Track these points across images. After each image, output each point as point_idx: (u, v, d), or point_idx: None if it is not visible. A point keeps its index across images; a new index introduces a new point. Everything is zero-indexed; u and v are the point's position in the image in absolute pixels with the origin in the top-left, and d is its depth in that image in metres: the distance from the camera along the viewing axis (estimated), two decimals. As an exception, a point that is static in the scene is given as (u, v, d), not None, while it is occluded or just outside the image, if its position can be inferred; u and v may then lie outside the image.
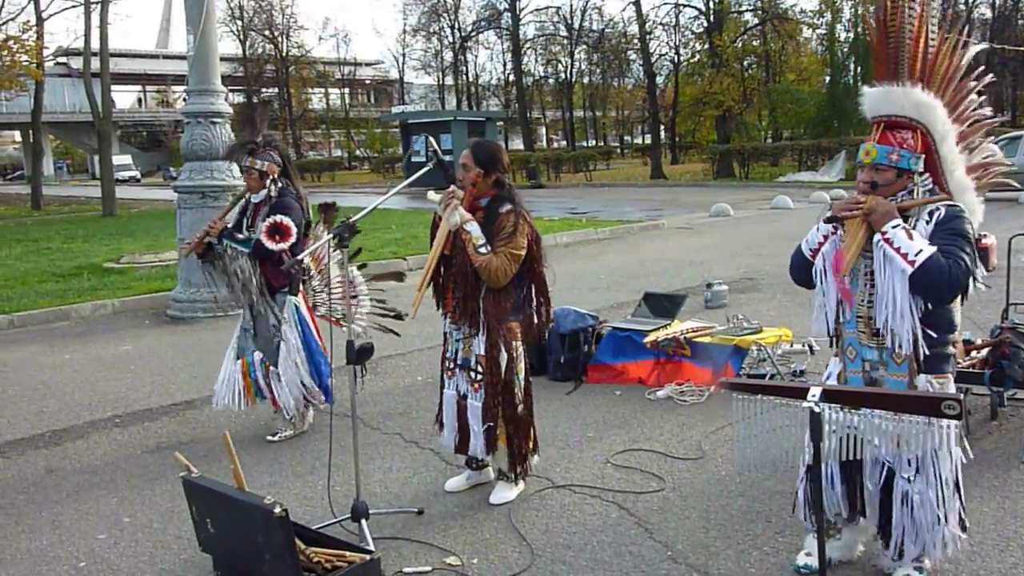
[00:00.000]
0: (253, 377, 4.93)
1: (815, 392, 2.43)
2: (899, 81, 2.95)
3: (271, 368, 4.88)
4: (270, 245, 4.70)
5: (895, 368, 2.90)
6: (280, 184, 4.90)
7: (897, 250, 2.76)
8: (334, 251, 5.14)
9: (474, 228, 3.64)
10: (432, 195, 3.85)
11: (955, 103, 3.05)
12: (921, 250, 2.73)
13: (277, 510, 2.85)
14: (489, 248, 3.63)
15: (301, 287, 4.97)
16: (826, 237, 2.97)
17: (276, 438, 4.97)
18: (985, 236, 10.12)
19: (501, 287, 3.69)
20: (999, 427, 4.58)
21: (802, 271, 3.11)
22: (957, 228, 2.82)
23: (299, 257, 3.72)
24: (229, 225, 4.92)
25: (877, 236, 2.81)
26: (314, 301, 5.11)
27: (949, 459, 2.88)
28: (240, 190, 5.10)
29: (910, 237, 2.76)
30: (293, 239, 4.76)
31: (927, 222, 2.85)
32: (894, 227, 2.78)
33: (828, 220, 2.95)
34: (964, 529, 2.98)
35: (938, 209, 2.86)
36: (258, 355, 4.93)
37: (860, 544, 3.22)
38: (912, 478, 2.87)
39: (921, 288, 2.76)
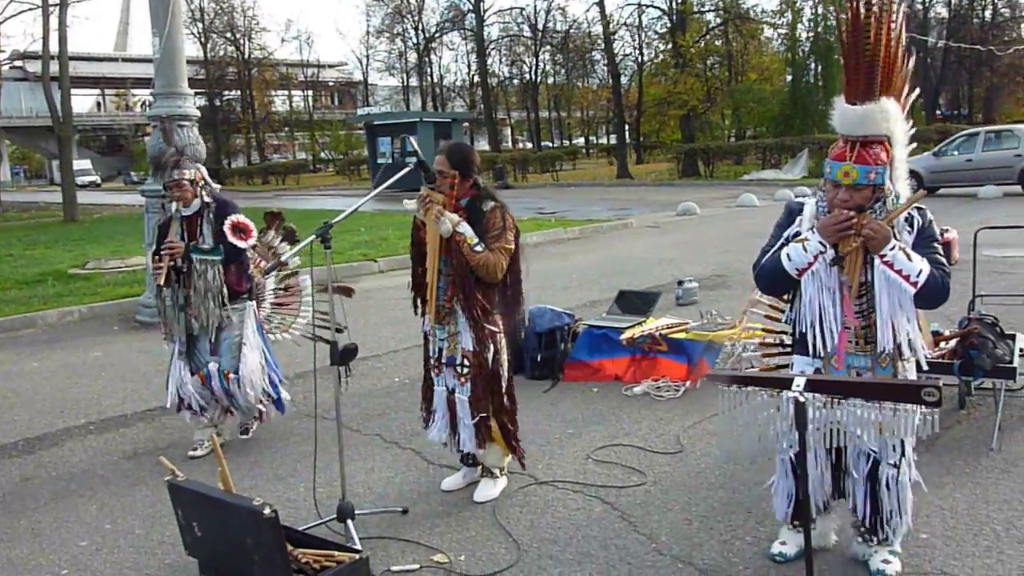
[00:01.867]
0: (210, 387, 4.79)
1: (799, 382, 2.49)
2: (873, 98, 2.91)
3: (231, 375, 4.76)
4: (241, 244, 4.64)
5: (881, 371, 2.99)
6: (209, 187, 4.80)
7: (899, 272, 2.82)
8: (295, 256, 5.10)
9: (466, 229, 3.67)
10: (408, 204, 3.84)
11: (903, 107, 3.07)
12: (921, 270, 2.81)
13: (267, 511, 2.86)
14: (483, 246, 3.67)
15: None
16: (816, 257, 2.92)
17: (199, 452, 4.82)
18: (947, 231, 10.41)
19: (490, 282, 3.73)
20: (968, 416, 4.70)
21: (783, 286, 3.09)
22: (933, 234, 2.94)
23: (283, 258, 3.68)
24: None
25: (877, 260, 2.85)
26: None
27: (909, 445, 3.01)
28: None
29: (909, 258, 2.83)
30: (255, 235, 4.69)
31: (909, 232, 2.92)
32: (892, 249, 2.83)
33: (833, 261, 2.91)
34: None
35: (912, 216, 2.94)
36: (214, 365, 4.77)
37: (833, 533, 3.29)
38: (898, 463, 2.98)
39: (923, 302, 2.88)
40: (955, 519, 3.50)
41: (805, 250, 2.94)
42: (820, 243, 2.91)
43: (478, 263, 3.65)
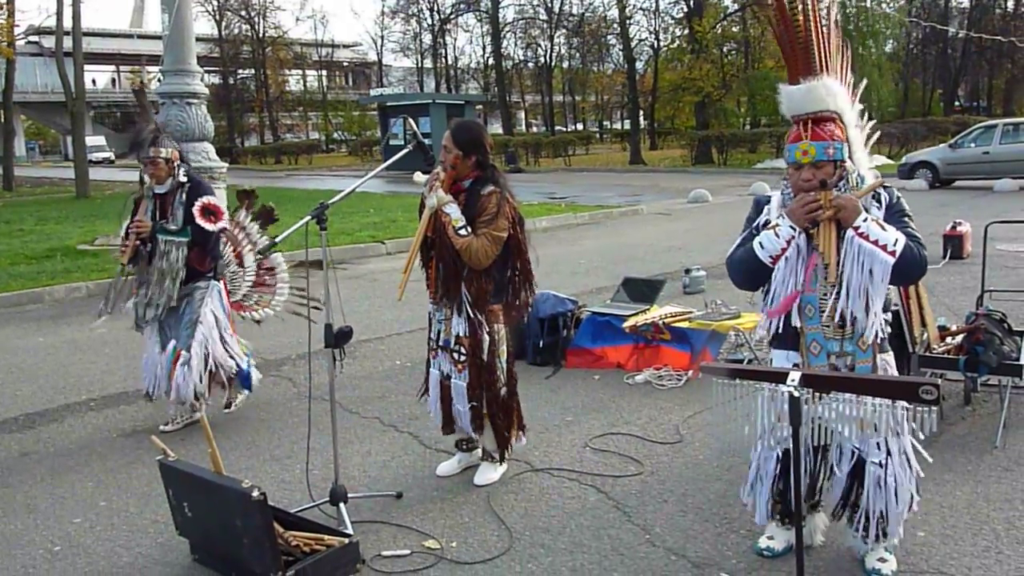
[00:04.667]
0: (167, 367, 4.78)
1: (794, 377, 2.44)
2: (814, 76, 2.92)
3: (182, 353, 4.71)
4: (209, 227, 4.61)
5: (862, 355, 2.92)
6: (185, 167, 4.75)
7: (875, 243, 2.76)
8: (258, 236, 5.20)
9: (453, 210, 3.62)
10: (418, 177, 3.83)
11: (848, 90, 3.10)
12: (897, 239, 2.76)
13: (255, 494, 2.84)
14: (469, 230, 3.61)
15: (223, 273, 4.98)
16: (788, 242, 2.89)
17: (169, 428, 4.85)
18: (960, 224, 10.30)
19: (483, 269, 3.68)
20: (972, 413, 4.64)
21: (757, 277, 3.00)
22: (903, 208, 2.91)
23: (277, 239, 3.63)
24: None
25: (849, 232, 2.80)
26: (231, 287, 5.11)
27: (904, 440, 2.94)
28: (143, 185, 4.80)
29: (882, 228, 2.78)
30: (226, 217, 4.67)
31: (878, 207, 2.89)
32: (864, 220, 2.79)
33: (804, 232, 2.89)
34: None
35: (879, 192, 2.91)
36: (172, 343, 4.75)
37: (819, 532, 3.24)
38: (884, 462, 2.90)
39: (899, 275, 2.81)
40: (955, 517, 3.45)
41: (777, 236, 2.91)
42: (791, 227, 2.88)
43: (461, 247, 3.60)
